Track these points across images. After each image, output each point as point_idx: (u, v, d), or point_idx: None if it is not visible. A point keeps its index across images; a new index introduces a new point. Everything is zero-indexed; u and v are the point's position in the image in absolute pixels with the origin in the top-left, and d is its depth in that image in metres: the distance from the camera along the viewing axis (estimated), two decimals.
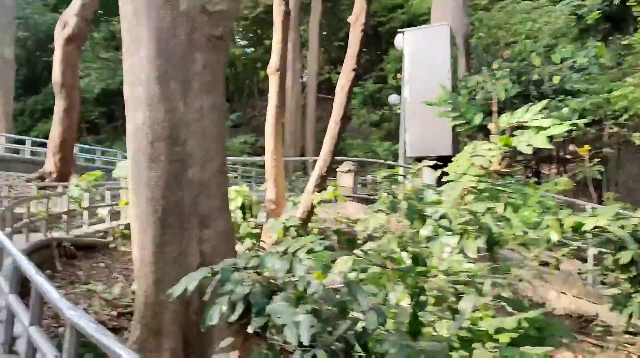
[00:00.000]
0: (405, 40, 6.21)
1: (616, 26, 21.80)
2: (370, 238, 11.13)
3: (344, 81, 9.27)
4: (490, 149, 4.27)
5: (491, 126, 4.49)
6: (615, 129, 18.32)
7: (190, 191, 5.14)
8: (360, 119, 38.45)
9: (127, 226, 10.33)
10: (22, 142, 25.43)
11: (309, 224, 9.25)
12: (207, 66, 5.22)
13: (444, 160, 6.40)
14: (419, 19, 33.06)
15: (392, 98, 30.71)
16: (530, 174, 18.31)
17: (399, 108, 21.56)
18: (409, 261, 3.64)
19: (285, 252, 3.13)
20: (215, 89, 5.33)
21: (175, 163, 5.08)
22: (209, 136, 5.24)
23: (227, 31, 5.39)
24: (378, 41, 41.02)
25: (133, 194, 5.16)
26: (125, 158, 14.19)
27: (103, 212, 10.35)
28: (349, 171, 20.88)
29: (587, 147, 15.13)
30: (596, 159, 15.15)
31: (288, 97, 35.30)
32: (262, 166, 25.83)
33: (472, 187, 4.20)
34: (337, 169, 21.81)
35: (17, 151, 24.59)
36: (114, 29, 36.13)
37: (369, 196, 14.50)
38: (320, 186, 9.06)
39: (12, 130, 26.76)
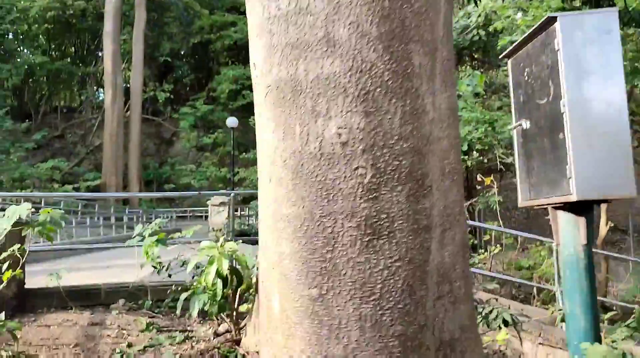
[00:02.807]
0: (560, 31, 3.96)
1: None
2: None
3: None
4: None
5: None
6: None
7: (432, 294, 2.34)
8: (190, 143, 35.01)
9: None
10: None
11: None
12: (447, 25, 2.51)
13: (585, 205, 4.09)
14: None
15: (230, 121, 28.25)
16: None
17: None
18: None
19: None
20: (453, 73, 2.62)
21: (418, 238, 2.23)
22: (451, 170, 2.51)
23: None
24: (207, 60, 38.04)
25: (304, 318, 2.09)
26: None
27: None
28: (222, 203, 17.85)
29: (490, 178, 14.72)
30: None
31: (108, 116, 30.31)
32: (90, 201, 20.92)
33: None
34: (208, 203, 18.56)
35: None
36: None
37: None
38: None
39: None
